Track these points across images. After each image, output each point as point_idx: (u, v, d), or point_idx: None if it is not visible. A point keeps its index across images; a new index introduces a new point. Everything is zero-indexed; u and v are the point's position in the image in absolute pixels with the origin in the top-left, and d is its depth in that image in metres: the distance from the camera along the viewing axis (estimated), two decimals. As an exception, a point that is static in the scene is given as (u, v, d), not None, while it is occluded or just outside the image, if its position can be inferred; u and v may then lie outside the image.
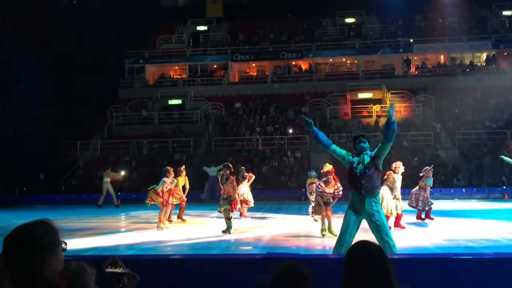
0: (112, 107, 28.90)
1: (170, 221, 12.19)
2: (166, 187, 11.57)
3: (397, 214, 10.68)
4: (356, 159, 5.88)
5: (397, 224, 10.66)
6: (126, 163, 23.68)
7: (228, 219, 10.23)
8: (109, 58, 29.73)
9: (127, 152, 25.17)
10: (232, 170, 10.72)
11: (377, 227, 5.72)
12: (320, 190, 9.58)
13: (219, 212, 10.58)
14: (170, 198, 11.97)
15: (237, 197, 10.60)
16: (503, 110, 26.10)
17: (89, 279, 1.95)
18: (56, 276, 1.88)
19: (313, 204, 10.57)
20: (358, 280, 1.95)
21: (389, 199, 10.45)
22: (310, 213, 11.11)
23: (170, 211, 12.30)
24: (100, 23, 27.73)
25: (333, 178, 9.55)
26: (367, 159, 5.85)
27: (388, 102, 27.63)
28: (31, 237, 1.89)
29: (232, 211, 10.34)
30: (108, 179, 18.83)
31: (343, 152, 5.99)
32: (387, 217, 10.42)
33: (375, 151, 5.89)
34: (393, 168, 10.96)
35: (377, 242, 5.26)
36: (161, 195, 11.45)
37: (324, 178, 9.65)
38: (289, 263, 2.22)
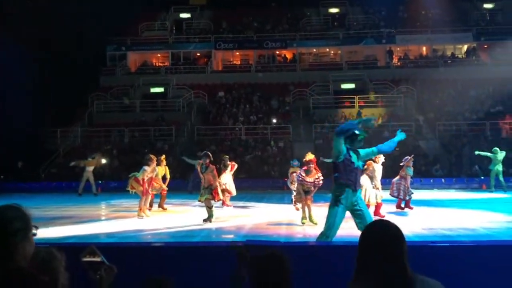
0: (93, 94, 28.50)
1: (149, 209, 12.12)
2: (147, 176, 11.47)
3: (377, 203, 10.82)
4: (353, 154, 5.94)
5: (376, 213, 10.78)
6: (107, 151, 23.43)
7: (209, 208, 10.21)
8: (91, 45, 29.23)
9: (108, 140, 24.90)
10: (212, 159, 10.66)
11: (363, 212, 5.85)
12: (301, 179, 9.62)
13: (199, 201, 10.53)
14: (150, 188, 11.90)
15: (218, 185, 10.53)
16: (483, 102, 26.47)
17: (58, 265, 1.92)
18: (27, 261, 1.84)
19: (294, 193, 10.61)
20: (373, 260, 1.89)
21: (369, 189, 10.56)
22: (293, 202, 11.17)
23: (151, 199, 12.24)
24: (81, 9, 27.22)
25: (314, 168, 9.61)
26: (359, 155, 5.96)
27: (370, 93, 27.82)
28: (2, 220, 1.84)
29: (214, 200, 10.31)
30: (91, 168, 18.56)
31: (344, 147, 5.97)
32: (367, 206, 10.55)
33: (367, 151, 6.01)
34: (374, 158, 11.06)
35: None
36: (141, 183, 11.36)
37: (305, 167, 9.69)
38: (270, 250, 2.22)
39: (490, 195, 16.70)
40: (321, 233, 5.95)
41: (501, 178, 17.66)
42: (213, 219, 10.22)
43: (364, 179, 10.48)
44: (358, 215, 5.88)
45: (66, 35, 26.72)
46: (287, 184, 11.99)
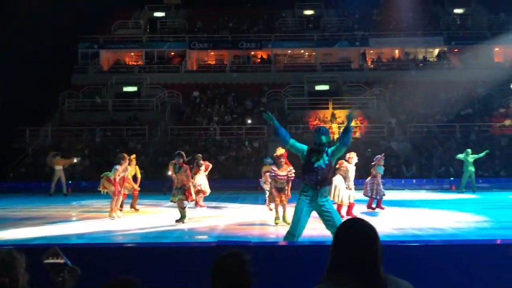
0: (64, 92, 27.95)
1: (120, 210, 11.94)
2: (119, 175, 11.29)
3: (349, 203, 10.93)
4: (314, 154, 6.02)
5: (349, 213, 10.90)
6: (78, 151, 23.00)
7: (182, 209, 10.13)
8: (62, 42, 28.68)
9: (79, 140, 24.45)
10: (185, 159, 10.57)
11: (329, 213, 5.90)
12: (274, 174, 9.64)
13: (172, 201, 10.41)
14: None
15: (191, 186, 10.46)
16: (453, 104, 27.08)
17: (18, 267, 1.86)
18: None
19: (268, 193, 10.63)
20: (345, 260, 1.87)
21: (342, 189, 10.66)
22: (266, 202, 11.18)
23: (122, 200, 12.06)
24: (53, 7, 26.67)
25: (285, 162, 9.66)
26: (324, 155, 6.00)
27: (344, 95, 28.11)
28: None
29: (187, 201, 10.22)
30: (61, 167, 18.18)
31: (303, 147, 6.12)
32: (340, 206, 10.65)
33: (332, 149, 6.08)
34: (347, 158, 11.20)
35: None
36: (113, 183, 11.19)
37: (277, 162, 9.74)
38: (230, 251, 2.20)
39: (459, 195, 17.09)
40: (287, 232, 6.03)
41: (473, 179, 18.12)
42: (186, 220, 10.14)
43: (337, 179, 10.60)
44: (325, 217, 5.96)
45: (38, 33, 26.16)
46: (261, 184, 11.99)
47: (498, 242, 5.53)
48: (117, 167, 11.18)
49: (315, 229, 6.06)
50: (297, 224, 5.89)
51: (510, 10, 31.94)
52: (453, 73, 28.90)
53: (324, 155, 6.01)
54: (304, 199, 6.00)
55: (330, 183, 6.32)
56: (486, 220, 10.63)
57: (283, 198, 9.60)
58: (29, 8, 27.57)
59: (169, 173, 10.94)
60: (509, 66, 29.88)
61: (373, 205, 12.24)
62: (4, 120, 23.50)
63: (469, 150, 18.20)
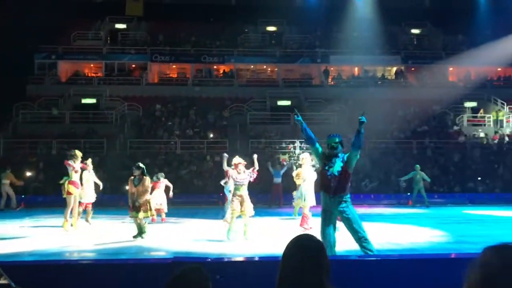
0: (18, 104, 27.00)
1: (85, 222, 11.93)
2: (76, 171, 11.00)
3: (303, 214, 11.03)
4: (327, 161, 6.23)
5: (301, 224, 10.96)
6: (32, 164, 22.20)
7: (141, 225, 9.89)
8: (18, 52, 27.79)
9: (34, 152, 23.61)
10: (145, 171, 10.35)
11: (349, 222, 5.98)
12: (234, 177, 9.66)
13: (131, 217, 10.14)
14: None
15: (150, 199, 10.25)
16: (409, 121, 27.88)
17: None
18: None
19: (228, 209, 10.59)
20: (291, 274, 1.85)
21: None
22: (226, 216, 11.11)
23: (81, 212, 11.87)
24: (9, 14, 25.88)
25: (244, 171, 9.72)
26: (338, 163, 6.11)
27: (305, 111, 28.41)
28: None
29: (147, 216, 9.98)
30: (8, 181, 17.53)
31: (320, 150, 6.39)
32: (305, 216, 10.76)
33: (346, 156, 6.23)
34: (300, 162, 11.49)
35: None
36: (77, 184, 10.92)
37: (235, 170, 9.74)
38: (187, 267, 2.13)
39: (415, 210, 17.51)
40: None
41: (423, 194, 18.69)
42: (144, 236, 9.88)
43: (306, 187, 10.84)
44: (345, 223, 6.08)
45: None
46: (223, 199, 11.92)
47: (453, 255, 5.65)
48: (71, 162, 10.91)
49: (275, 245, 6.02)
50: (325, 234, 6.05)
51: (464, 32, 33.43)
52: (410, 91, 29.81)
53: (338, 161, 6.11)
54: (324, 209, 6.17)
55: (344, 190, 6.22)
56: (441, 235, 10.89)
57: (248, 213, 9.57)
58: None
59: (127, 187, 10.66)
60: (463, 85, 31.13)
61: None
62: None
63: (418, 166, 18.88)
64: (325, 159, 6.23)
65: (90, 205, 12.49)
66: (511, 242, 1.75)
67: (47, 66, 30.73)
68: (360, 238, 5.98)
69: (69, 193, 10.96)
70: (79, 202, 11.94)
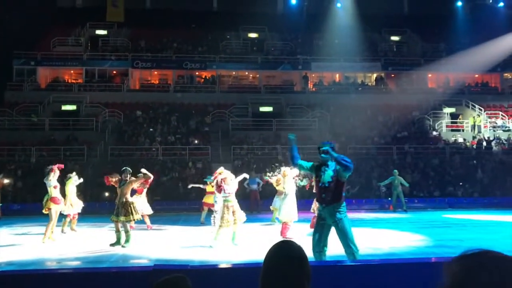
0: (-4, 110, 26.56)
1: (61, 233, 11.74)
2: (55, 187, 10.90)
3: (284, 224, 11.01)
4: (318, 170, 6.26)
5: (283, 234, 10.95)
6: (10, 172, 21.81)
7: (119, 230, 9.78)
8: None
9: (12, 160, 23.21)
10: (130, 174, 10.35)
11: (341, 233, 5.99)
12: (225, 194, 9.66)
13: (112, 220, 9.95)
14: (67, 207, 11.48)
15: (134, 202, 10.27)
16: (390, 127, 28.22)
17: None
18: None
19: (215, 215, 10.62)
20: (273, 282, 1.85)
21: (287, 207, 10.80)
22: (213, 223, 11.11)
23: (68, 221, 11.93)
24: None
25: (230, 179, 9.77)
26: (329, 172, 6.12)
27: (287, 117, 28.55)
28: None
29: (131, 220, 9.86)
30: None
31: (309, 164, 6.39)
32: (287, 225, 10.75)
33: (337, 168, 6.15)
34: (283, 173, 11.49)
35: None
36: (57, 201, 10.79)
37: (223, 183, 9.76)
38: (170, 276, 2.13)
39: (396, 215, 17.70)
40: (313, 252, 6.14)
41: (402, 198, 18.93)
42: (127, 245, 9.74)
43: (286, 201, 10.84)
44: (338, 235, 6.15)
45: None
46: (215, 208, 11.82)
47: (433, 260, 5.73)
48: (49, 177, 10.82)
49: (256, 252, 6.03)
50: (318, 239, 6.09)
51: (443, 39, 34.05)
52: (390, 97, 30.20)
53: (329, 170, 6.12)
54: (319, 216, 6.26)
55: (338, 199, 6.10)
56: (421, 239, 11.03)
57: (236, 221, 9.61)
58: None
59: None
60: (442, 91, 31.67)
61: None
62: None
63: (396, 171, 19.14)
64: (316, 170, 6.27)
65: (76, 214, 12.48)
66: (478, 249, 1.77)
67: (26, 72, 30.28)
68: (351, 253, 6.03)
69: (48, 210, 10.87)
70: (67, 214, 12.04)
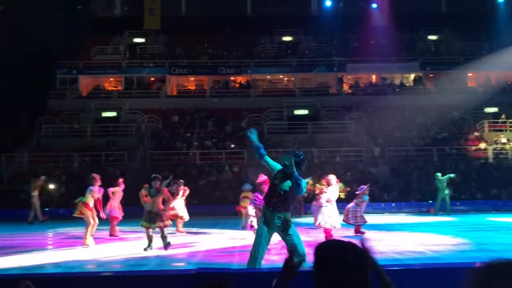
0: (41, 118, 27.58)
1: (116, 235, 12.33)
2: (94, 196, 11.13)
3: (325, 229, 10.92)
4: (279, 176, 6.06)
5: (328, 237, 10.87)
6: (55, 177, 22.60)
7: (149, 236, 9.84)
8: (40, 68, 28.48)
9: (56, 166, 24.04)
10: (162, 182, 10.42)
11: (286, 240, 5.96)
12: (258, 202, 9.60)
13: (143, 226, 10.04)
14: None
15: (167, 211, 10.30)
16: (429, 128, 27.60)
17: None
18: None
19: (251, 219, 10.62)
20: (331, 284, 1.78)
21: (328, 213, 10.69)
22: (249, 226, 11.13)
23: (112, 225, 12.42)
24: (32, 32, 26.56)
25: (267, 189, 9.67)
26: (288, 182, 5.97)
27: (323, 119, 28.37)
28: None
29: (161, 228, 9.91)
30: (36, 193, 17.87)
31: (276, 166, 6.18)
32: (331, 230, 10.67)
33: (301, 181, 5.95)
34: (328, 181, 11.27)
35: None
36: (89, 208, 11.01)
37: (259, 188, 9.74)
38: (215, 279, 2.17)
39: (437, 218, 17.28)
40: (250, 256, 6.06)
41: (447, 202, 18.47)
42: (149, 249, 9.86)
43: (330, 209, 10.75)
44: (285, 240, 6.02)
45: (15, 57, 25.94)
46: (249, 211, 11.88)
47: (478, 265, 5.57)
48: (92, 188, 11.07)
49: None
50: (258, 245, 5.97)
51: (483, 37, 33.06)
52: (428, 98, 29.53)
53: (289, 182, 5.96)
54: (263, 220, 6.07)
55: (287, 210, 6.05)
56: (464, 243, 10.74)
57: None
58: (6, 33, 27.39)
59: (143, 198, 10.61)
60: (483, 91, 30.72)
61: (360, 230, 12.24)
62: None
63: (438, 174, 18.66)
64: (279, 174, 6.11)
65: (116, 219, 12.76)
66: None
67: (68, 81, 31.35)
68: (299, 257, 5.94)
69: (80, 213, 11.09)
70: (112, 217, 12.53)
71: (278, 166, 6.17)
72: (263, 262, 6.19)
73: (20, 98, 25.67)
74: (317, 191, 13.60)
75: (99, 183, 11.35)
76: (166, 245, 9.75)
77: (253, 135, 6.27)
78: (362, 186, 12.70)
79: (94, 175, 11.45)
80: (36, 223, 17.55)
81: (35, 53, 26.51)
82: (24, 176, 22.45)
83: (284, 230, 5.95)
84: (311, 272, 1.85)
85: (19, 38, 26.88)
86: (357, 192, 12.60)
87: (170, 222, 10.33)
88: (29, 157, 24.52)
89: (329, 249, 1.88)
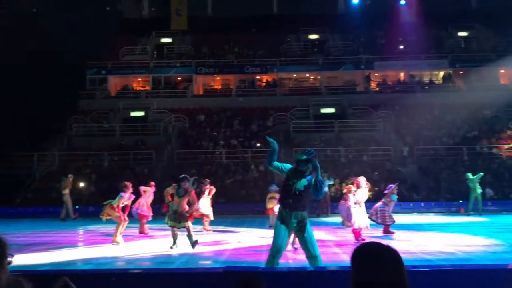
0: (72, 118, 28.21)
1: (145, 233, 12.55)
2: (123, 203, 11.33)
3: (353, 229, 10.80)
4: (294, 176, 6.09)
5: (356, 238, 10.75)
6: (85, 176, 23.10)
7: (175, 234, 9.89)
8: (70, 68, 29.12)
9: (86, 164, 24.55)
10: (190, 183, 10.47)
11: (304, 240, 5.94)
12: None
13: (167, 224, 10.12)
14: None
15: (192, 212, 10.35)
16: (459, 126, 27.01)
17: None
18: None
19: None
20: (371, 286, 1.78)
21: (357, 213, 10.60)
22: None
23: (142, 223, 12.68)
24: (61, 33, 27.18)
25: None
26: (303, 181, 6.01)
27: (350, 118, 28.11)
28: None
29: (185, 227, 9.88)
30: (67, 191, 18.34)
31: (287, 166, 6.25)
32: (359, 230, 10.56)
33: (313, 180, 6.01)
34: (357, 183, 11.15)
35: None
36: (117, 210, 11.20)
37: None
38: (247, 276, 2.18)
39: (468, 218, 16.91)
40: (268, 256, 6.06)
41: (479, 202, 18.05)
42: (175, 247, 9.92)
43: (359, 210, 10.68)
44: (300, 239, 6.04)
45: (46, 58, 26.60)
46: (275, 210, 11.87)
47: (510, 266, 5.44)
48: (123, 194, 11.24)
49: (325, 253, 6.02)
50: (275, 245, 5.98)
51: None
52: (458, 95, 28.91)
53: (304, 181, 6.01)
54: (280, 220, 6.08)
55: (304, 209, 6.09)
56: (496, 244, 10.48)
57: None
58: (38, 35, 28.11)
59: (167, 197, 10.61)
60: (515, 88, 29.87)
61: (389, 230, 12.09)
62: (12, 145, 23.69)
63: (469, 174, 18.23)
64: (292, 173, 6.11)
65: (145, 218, 12.96)
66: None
67: (97, 81, 31.97)
68: (312, 256, 5.92)
69: (107, 215, 11.26)
70: (143, 215, 12.77)
71: (287, 166, 6.23)
72: (291, 262, 6.20)
73: (52, 98, 26.31)
74: (344, 190, 13.54)
75: (130, 190, 11.53)
76: (193, 244, 9.79)
77: (273, 141, 6.30)
78: (391, 185, 12.53)
79: (127, 183, 11.64)
80: (68, 220, 17.98)
81: (66, 53, 27.11)
82: (55, 175, 23.02)
83: (300, 230, 5.96)
84: (349, 272, 1.85)
85: (51, 39, 27.55)
86: (385, 192, 12.45)
87: (189, 224, 10.25)
88: (60, 156, 25.11)
89: (367, 250, 1.87)
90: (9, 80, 24.92)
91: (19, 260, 8.94)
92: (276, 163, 6.19)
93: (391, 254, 1.85)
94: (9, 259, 1.87)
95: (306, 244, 5.92)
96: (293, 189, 5.99)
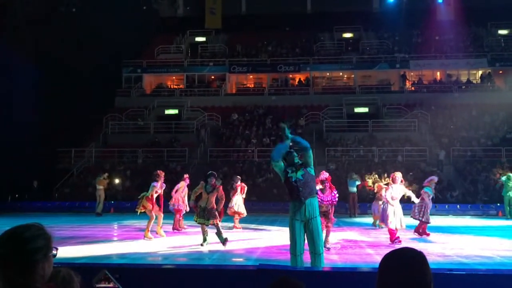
0: (108, 115, 28.87)
1: (179, 229, 12.76)
2: (156, 192, 11.50)
3: (389, 230, 10.57)
4: (289, 169, 6.39)
5: (392, 240, 10.54)
6: (120, 172, 23.61)
7: (204, 231, 9.92)
8: (107, 66, 29.78)
9: (121, 161, 25.08)
10: (218, 179, 10.52)
11: (311, 233, 5.96)
12: (319, 199, 9.52)
13: (196, 221, 10.07)
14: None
15: (220, 208, 10.31)
16: (497, 127, 26.21)
17: (75, 287, 1.92)
18: (45, 282, 1.84)
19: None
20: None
21: (392, 213, 10.38)
22: None
23: (176, 219, 12.88)
24: (99, 32, 27.81)
25: (330, 186, 9.58)
26: (300, 171, 6.36)
27: (384, 117, 27.70)
28: (22, 239, 1.84)
29: (214, 224, 9.84)
30: (102, 187, 18.83)
31: (281, 164, 6.47)
32: (396, 231, 10.36)
33: (301, 161, 6.43)
34: (391, 178, 10.93)
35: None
36: (153, 202, 11.39)
37: (321, 186, 9.63)
38: (282, 276, 2.18)
39: (505, 222, 16.39)
40: (290, 255, 6.19)
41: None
42: (205, 244, 9.98)
43: (386, 204, 10.47)
44: (308, 235, 6.12)
45: (83, 57, 27.26)
46: None
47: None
48: (155, 183, 11.43)
49: (358, 254, 5.96)
50: (295, 242, 6.09)
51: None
52: (497, 95, 28.07)
53: (301, 170, 6.34)
54: (294, 217, 6.21)
55: (314, 193, 6.38)
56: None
57: (329, 224, 9.52)
58: (77, 34, 28.85)
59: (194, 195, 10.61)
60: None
61: (420, 230, 11.84)
62: (50, 141, 24.43)
63: (510, 174, 17.63)
64: (287, 167, 6.41)
65: (180, 213, 13.11)
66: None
67: (133, 80, 32.60)
68: (315, 253, 5.88)
69: (143, 208, 11.42)
70: (174, 209, 12.97)
71: (282, 164, 6.47)
72: (325, 260, 6.20)
73: (89, 96, 26.97)
74: (376, 190, 13.34)
75: (162, 179, 11.70)
76: (224, 241, 9.84)
77: (288, 133, 6.48)
78: (431, 176, 12.26)
79: (159, 171, 11.82)
80: (105, 214, 18.43)
81: (104, 52, 27.73)
82: (92, 170, 23.64)
83: (313, 224, 6.11)
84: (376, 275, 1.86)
85: (89, 38, 28.24)
86: (424, 184, 12.18)
87: (217, 221, 10.19)
88: (96, 152, 25.75)
89: (396, 254, 1.89)
90: (52, 79, 25.71)
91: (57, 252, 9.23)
92: (280, 163, 6.39)
93: (415, 256, 1.85)
94: (54, 252, 1.93)
95: (313, 239, 6.00)
96: (294, 179, 6.27)
